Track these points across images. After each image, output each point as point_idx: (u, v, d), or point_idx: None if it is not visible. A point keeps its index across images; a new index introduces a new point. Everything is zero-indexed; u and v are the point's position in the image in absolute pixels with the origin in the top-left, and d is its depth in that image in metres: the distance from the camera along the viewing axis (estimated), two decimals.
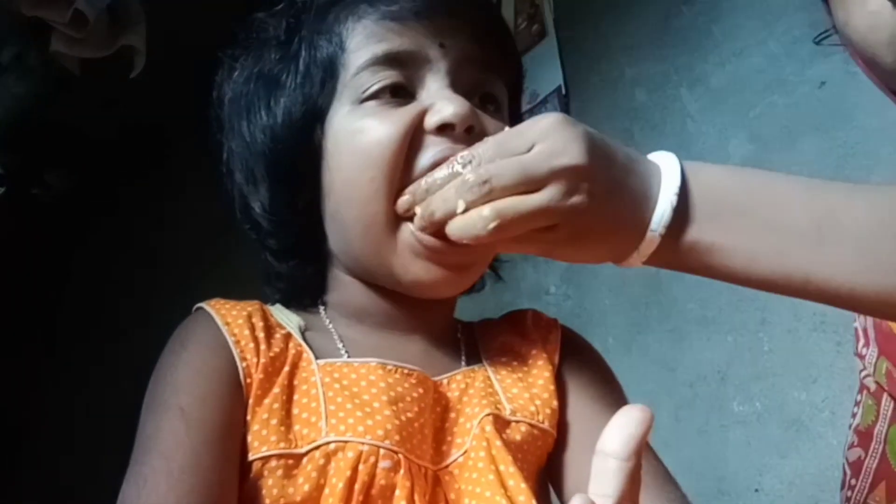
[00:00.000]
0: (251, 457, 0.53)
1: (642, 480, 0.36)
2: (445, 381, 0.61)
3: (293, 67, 0.61)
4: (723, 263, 0.50)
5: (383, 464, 0.53)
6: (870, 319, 0.82)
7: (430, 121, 0.56)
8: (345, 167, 0.58)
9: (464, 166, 0.49)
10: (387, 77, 0.58)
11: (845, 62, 1.32)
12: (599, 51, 1.73)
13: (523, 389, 0.61)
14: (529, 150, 0.48)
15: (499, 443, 0.56)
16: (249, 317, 0.59)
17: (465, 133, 0.57)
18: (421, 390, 0.58)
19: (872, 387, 0.82)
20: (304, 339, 0.60)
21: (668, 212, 0.49)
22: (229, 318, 0.59)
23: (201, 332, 0.58)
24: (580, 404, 0.63)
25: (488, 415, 0.57)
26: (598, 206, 0.48)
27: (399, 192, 0.56)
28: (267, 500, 0.52)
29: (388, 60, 0.58)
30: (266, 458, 0.53)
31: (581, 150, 0.47)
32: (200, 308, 0.61)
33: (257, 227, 0.64)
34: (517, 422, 0.59)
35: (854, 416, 0.84)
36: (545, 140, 0.47)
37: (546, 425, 0.60)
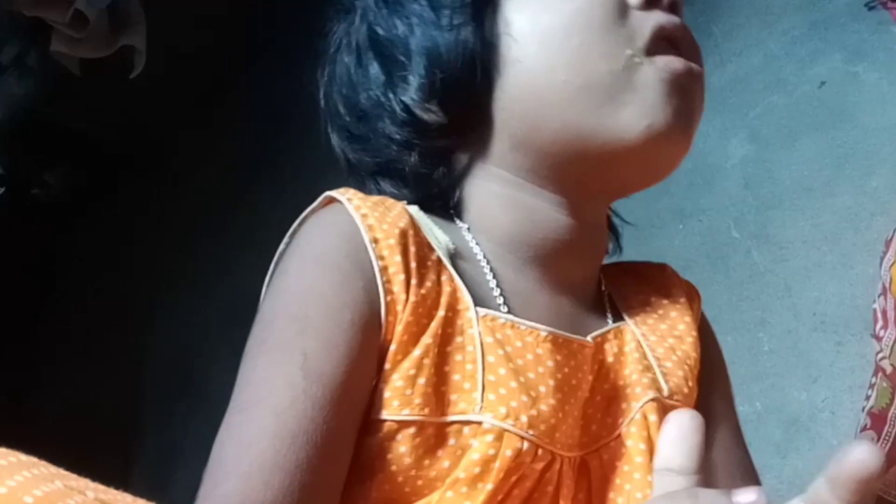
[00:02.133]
0: (385, 415, 0.46)
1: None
2: (599, 342, 0.55)
3: None
4: None
5: (538, 464, 0.47)
6: (890, 301, 0.82)
7: None
8: (537, 42, 0.53)
9: None
10: None
11: (845, 62, 1.32)
12: None
13: (676, 364, 0.57)
14: None
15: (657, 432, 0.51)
16: (403, 235, 0.50)
17: (670, 8, 0.56)
18: (585, 368, 0.53)
19: (888, 369, 0.81)
20: (457, 271, 0.52)
21: None
22: (379, 232, 0.49)
23: (341, 243, 0.49)
24: (702, 380, 0.60)
25: (652, 400, 0.53)
26: None
27: (617, 50, 0.52)
28: (394, 467, 0.45)
29: None
30: (405, 423, 0.45)
31: None
32: (340, 204, 0.51)
33: (379, 113, 0.57)
34: (674, 404, 0.54)
35: (868, 398, 0.83)
36: None
37: (692, 403, 0.57)
